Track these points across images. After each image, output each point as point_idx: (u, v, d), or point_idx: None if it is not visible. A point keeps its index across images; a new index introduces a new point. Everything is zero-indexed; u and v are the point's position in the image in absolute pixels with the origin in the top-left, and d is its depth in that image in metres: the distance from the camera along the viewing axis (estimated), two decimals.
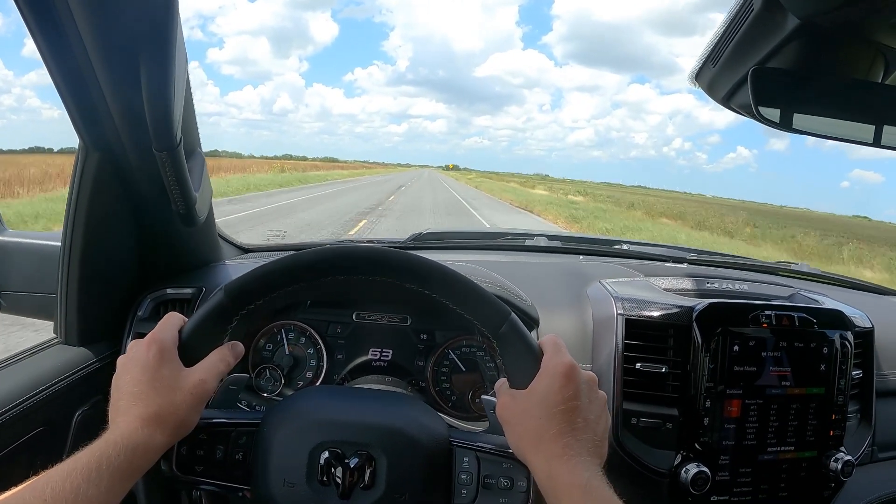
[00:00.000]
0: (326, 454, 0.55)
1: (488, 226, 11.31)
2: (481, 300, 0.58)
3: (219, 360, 0.58)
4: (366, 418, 0.58)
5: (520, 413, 0.55)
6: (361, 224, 10.73)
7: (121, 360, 0.57)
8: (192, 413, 0.55)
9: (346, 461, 0.54)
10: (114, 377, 0.56)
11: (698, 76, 0.84)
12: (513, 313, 0.58)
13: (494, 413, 0.59)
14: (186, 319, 0.59)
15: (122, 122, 0.74)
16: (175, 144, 0.72)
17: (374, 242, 1.29)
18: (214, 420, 0.59)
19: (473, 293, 0.58)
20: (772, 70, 0.72)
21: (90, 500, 0.45)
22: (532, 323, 0.89)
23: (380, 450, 0.55)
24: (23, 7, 0.62)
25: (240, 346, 0.61)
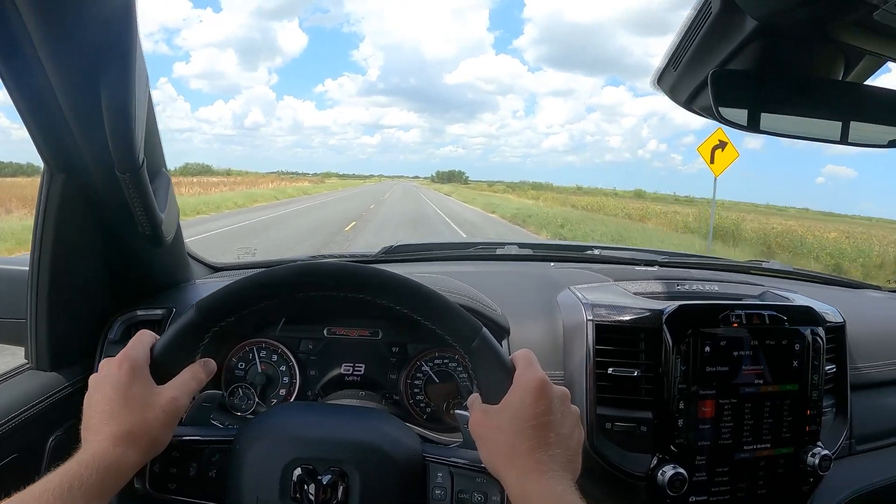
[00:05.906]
0: (299, 471, 0.54)
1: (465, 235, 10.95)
2: (452, 315, 0.58)
3: (191, 377, 0.58)
4: (338, 434, 0.58)
5: (492, 428, 0.54)
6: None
7: (93, 379, 0.56)
8: (164, 431, 0.55)
9: (319, 477, 0.54)
10: (86, 396, 0.56)
11: (660, 80, 0.85)
12: (484, 328, 0.58)
13: (467, 427, 0.59)
14: (158, 337, 0.59)
15: (85, 143, 0.73)
16: (138, 166, 0.71)
17: (345, 256, 1.29)
18: (187, 437, 0.58)
19: (444, 308, 0.58)
20: (732, 71, 0.72)
21: None
22: (503, 332, 0.89)
23: (352, 466, 0.55)
24: None
25: (212, 364, 0.61)
